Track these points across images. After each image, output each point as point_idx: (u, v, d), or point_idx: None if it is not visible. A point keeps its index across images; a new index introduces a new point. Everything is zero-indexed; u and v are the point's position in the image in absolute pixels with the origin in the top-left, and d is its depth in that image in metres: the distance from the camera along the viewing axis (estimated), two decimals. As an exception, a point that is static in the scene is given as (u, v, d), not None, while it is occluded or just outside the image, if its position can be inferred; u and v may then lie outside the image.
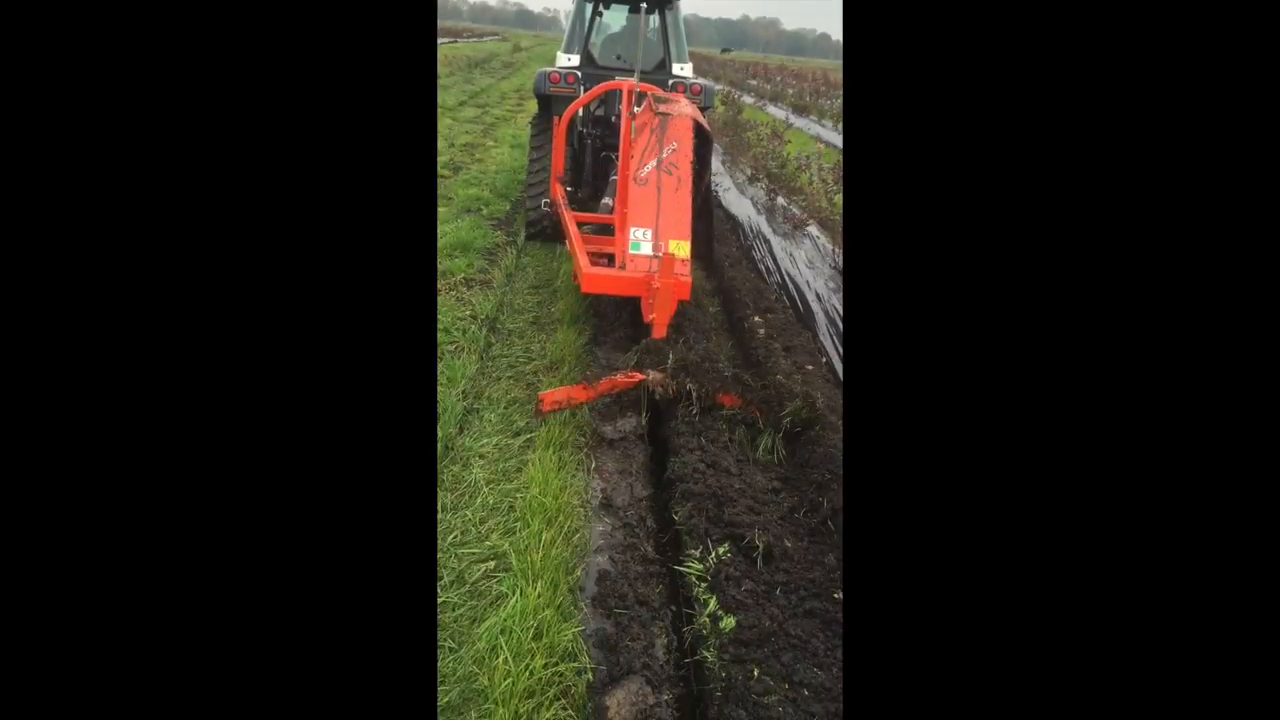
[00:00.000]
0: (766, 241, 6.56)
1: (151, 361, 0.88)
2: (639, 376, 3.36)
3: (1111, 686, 0.77)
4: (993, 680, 0.82)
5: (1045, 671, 0.80)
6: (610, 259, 4.13)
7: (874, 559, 0.90)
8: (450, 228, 5.82)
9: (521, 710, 1.85)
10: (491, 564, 2.45)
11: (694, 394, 3.32)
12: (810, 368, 3.99)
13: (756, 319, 4.62)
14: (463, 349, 3.97)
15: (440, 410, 3.27)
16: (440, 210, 6.44)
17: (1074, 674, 0.79)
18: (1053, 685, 0.79)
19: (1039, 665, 0.81)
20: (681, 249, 3.72)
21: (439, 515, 2.70)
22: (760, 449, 3.24)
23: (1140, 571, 0.79)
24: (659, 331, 3.53)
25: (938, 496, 0.89)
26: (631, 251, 3.79)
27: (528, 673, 1.94)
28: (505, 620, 2.11)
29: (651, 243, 3.78)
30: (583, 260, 3.86)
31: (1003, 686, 0.81)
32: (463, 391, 3.53)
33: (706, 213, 5.19)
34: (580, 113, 5.53)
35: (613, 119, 5.81)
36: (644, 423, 3.44)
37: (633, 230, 3.83)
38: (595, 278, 3.75)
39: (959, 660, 0.83)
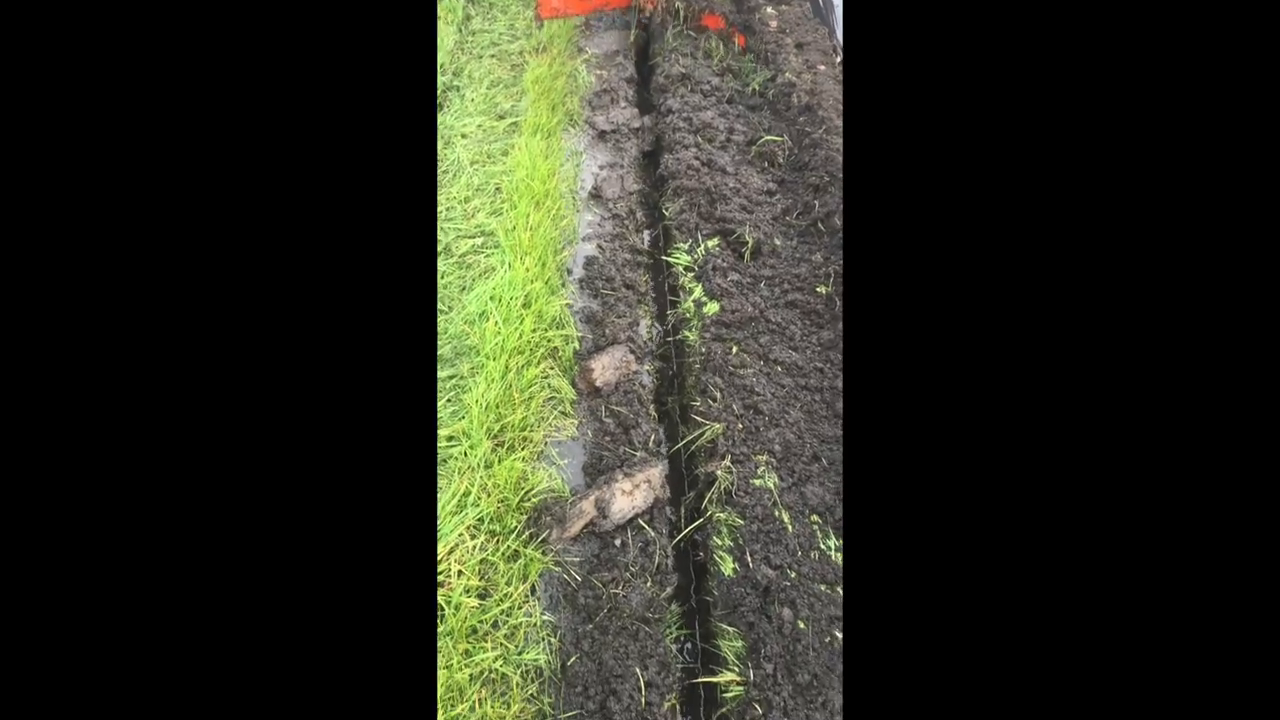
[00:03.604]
0: (791, -80, 5.59)
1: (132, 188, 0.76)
2: None
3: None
4: (974, 373, 0.82)
5: (1022, 387, 0.81)
6: None
7: (872, 257, 0.86)
8: None
9: (511, 364, 1.95)
10: (479, 240, 2.42)
11: (682, 13, 3.64)
12: (822, 68, 3.65)
13: (769, 10, 4.10)
14: (437, 17, 3.51)
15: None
16: None
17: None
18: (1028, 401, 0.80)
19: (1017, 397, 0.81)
20: None
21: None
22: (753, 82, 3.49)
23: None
24: None
25: (933, 200, 0.82)
26: None
27: (517, 334, 2.01)
28: (494, 289, 2.14)
29: None
30: None
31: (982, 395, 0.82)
32: (441, 65, 3.20)
33: None
34: None
35: None
36: (633, 41, 3.66)
37: None
38: None
39: (947, 351, 0.82)
